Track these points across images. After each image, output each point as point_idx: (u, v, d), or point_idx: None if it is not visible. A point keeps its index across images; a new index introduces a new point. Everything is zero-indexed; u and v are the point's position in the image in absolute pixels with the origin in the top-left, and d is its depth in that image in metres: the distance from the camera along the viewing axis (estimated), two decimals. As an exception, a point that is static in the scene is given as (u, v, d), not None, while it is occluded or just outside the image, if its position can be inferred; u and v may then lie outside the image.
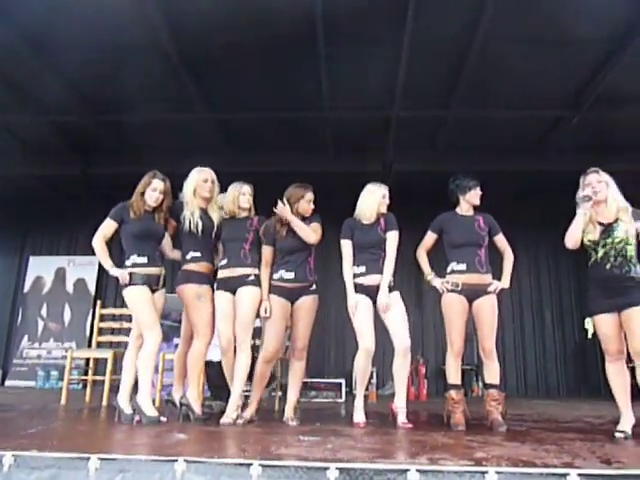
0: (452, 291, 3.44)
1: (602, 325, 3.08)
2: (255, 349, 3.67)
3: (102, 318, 5.24)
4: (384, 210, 3.64)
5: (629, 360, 3.14)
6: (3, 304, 8.22)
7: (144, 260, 3.42)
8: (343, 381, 6.01)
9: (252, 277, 3.53)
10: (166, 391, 4.49)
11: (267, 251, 3.60)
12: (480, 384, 6.63)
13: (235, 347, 3.50)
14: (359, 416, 3.39)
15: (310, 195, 3.63)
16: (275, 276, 3.55)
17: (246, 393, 3.56)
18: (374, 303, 3.49)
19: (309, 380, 5.89)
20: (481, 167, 5.66)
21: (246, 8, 4.19)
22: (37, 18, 4.24)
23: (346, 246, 3.59)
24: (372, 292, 3.48)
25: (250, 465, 1.91)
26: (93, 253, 3.50)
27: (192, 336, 3.53)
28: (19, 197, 7.59)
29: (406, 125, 5.88)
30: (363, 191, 3.68)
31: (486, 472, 1.86)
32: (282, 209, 3.54)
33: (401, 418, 3.35)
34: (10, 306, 8.23)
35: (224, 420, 3.31)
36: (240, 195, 3.67)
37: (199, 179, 3.64)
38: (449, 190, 3.68)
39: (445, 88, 5.35)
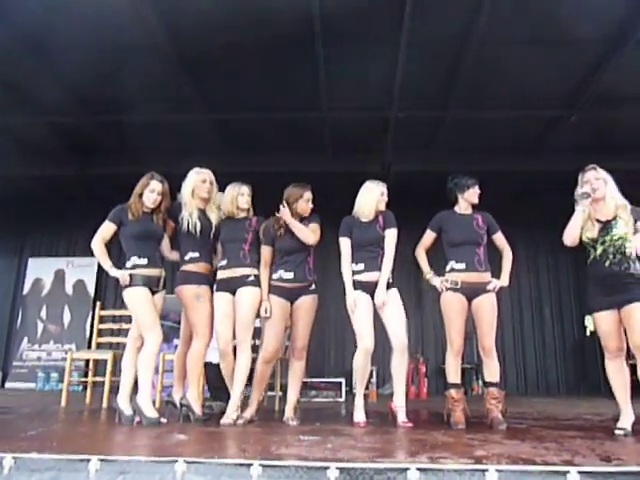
0: (451, 290, 3.44)
1: (602, 322, 3.08)
2: (255, 349, 3.67)
3: (102, 319, 5.23)
4: (383, 208, 3.64)
5: (629, 357, 3.14)
6: (2, 306, 8.22)
7: (145, 261, 3.42)
8: (343, 380, 6.02)
9: (252, 277, 3.53)
10: (166, 392, 4.49)
11: (266, 251, 3.61)
12: (480, 382, 6.64)
13: (233, 349, 3.50)
14: (359, 415, 3.39)
15: (308, 195, 3.64)
16: (274, 276, 3.55)
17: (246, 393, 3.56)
18: (373, 299, 3.49)
19: (309, 380, 5.89)
20: (479, 167, 5.64)
21: (244, 9, 4.19)
22: (35, 19, 4.24)
23: (345, 244, 3.60)
24: (371, 289, 3.48)
25: (250, 465, 1.91)
26: (92, 254, 3.50)
27: (191, 337, 3.53)
28: (18, 198, 7.59)
29: (404, 126, 5.89)
30: (361, 189, 3.69)
31: (486, 470, 1.86)
32: (282, 212, 3.55)
33: (401, 417, 3.35)
34: (9, 308, 8.24)
35: (224, 420, 3.31)
36: (239, 196, 3.67)
37: (197, 180, 3.64)
38: (447, 189, 3.68)
39: (443, 89, 5.35)
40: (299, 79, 5.19)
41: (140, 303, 3.36)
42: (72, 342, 7.80)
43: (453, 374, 3.46)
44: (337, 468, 1.89)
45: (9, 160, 6.61)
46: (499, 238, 3.63)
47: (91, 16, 4.24)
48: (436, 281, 3.54)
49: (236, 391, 3.44)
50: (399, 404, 3.43)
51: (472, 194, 3.60)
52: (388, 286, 3.49)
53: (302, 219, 3.63)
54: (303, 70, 5.03)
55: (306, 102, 5.56)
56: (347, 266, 3.55)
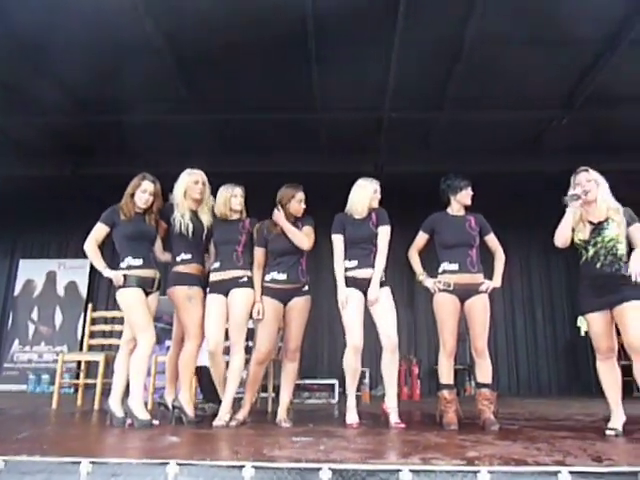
0: (444, 291, 3.45)
1: (593, 323, 3.10)
2: (248, 351, 3.66)
3: (93, 321, 5.20)
4: (375, 205, 3.65)
5: (620, 358, 3.16)
6: (-7, 308, 8.16)
7: (139, 262, 3.40)
8: (336, 382, 6.01)
9: (245, 279, 3.53)
10: (158, 394, 4.47)
11: (259, 253, 3.61)
12: (473, 383, 6.65)
13: (224, 350, 3.50)
14: (352, 417, 3.39)
15: (301, 195, 3.64)
16: (267, 278, 3.55)
17: (239, 395, 3.55)
18: (365, 297, 3.49)
19: (302, 381, 5.89)
20: (472, 168, 5.68)
21: (238, 9, 4.19)
22: (31, 20, 4.24)
23: (337, 241, 3.60)
24: (363, 285, 3.48)
25: (242, 467, 1.91)
26: (84, 256, 3.49)
27: (184, 338, 3.51)
28: (10, 199, 7.49)
29: (398, 126, 5.91)
30: (354, 186, 3.69)
31: (478, 471, 1.87)
32: (276, 215, 3.55)
33: (393, 418, 3.35)
34: (0, 310, 8.17)
35: (217, 422, 3.30)
36: (232, 197, 3.66)
37: (189, 181, 3.62)
38: (440, 190, 3.69)
39: (437, 89, 5.37)
40: (293, 79, 5.19)
41: (134, 304, 3.35)
42: (64, 344, 7.75)
43: (446, 375, 3.47)
44: (329, 469, 1.89)
45: (1, 160, 6.56)
46: (491, 239, 3.64)
47: (86, 17, 4.24)
48: (429, 282, 3.55)
49: (229, 393, 3.43)
50: (391, 405, 3.43)
51: (465, 196, 3.61)
52: (381, 284, 3.49)
53: (295, 220, 3.63)
54: (297, 70, 5.03)
55: (300, 102, 5.57)
56: (339, 263, 3.56)
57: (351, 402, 3.45)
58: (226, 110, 5.77)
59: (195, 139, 6.27)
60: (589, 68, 4.98)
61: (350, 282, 3.50)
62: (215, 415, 3.40)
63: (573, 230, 3.18)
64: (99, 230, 3.44)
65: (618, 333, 3.06)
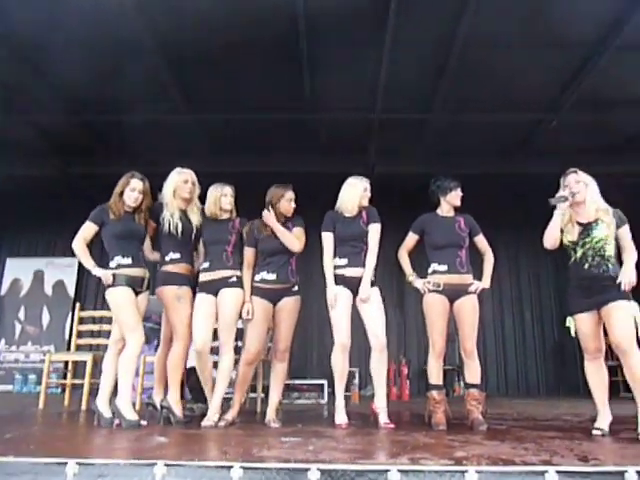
0: (433, 291, 3.46)
1: (581, 324, 3.12)
2: (237, 351, 3.65)
3: (81, 321, 5.17)
4: (366, 203, 3.66)
5: (608, 358, 3.19)
6: (-21, 307, 8.06)
7: (129, 261, 3.38)
8: (325, 382, 6.01)
9: (234, 279, 3.52)
10: (146, 394, 4.44)
11: (249, 253, 3.60)
12: (462, 384, 6.68)
13: (211, 350, 3.48)
14: (340, 417, 3.39)
15: (290, 194, 3.64)
16: (257, 278, 3.54)
17: (228, 395, 3.53)
18: (354, 296, 3.50)
19: (291, 381, 5.88)
20: (463, 169, 5.73)
21: (229, 10, 4.18)
22: (28, 20, 4.23)
23: (327, 239, 3.60)
24: (352, 284, 3.49)
25: (231, 467, 1.90)
26: (72, 255, 3.46)
27: (172, 338, 3.50)
28: (-4, 197, 7.47)
29: (389, 127, 5.92)
30: (344, 184, 3.70)
31: (466, 471, 1.88)
32: (266, 216, 3.55)
33: (382, 418, 3.35)
34: (-13, 309, 8.08)
35: (205, 423, 3.29)
36: (222, 196, 3.65)
37: (179, 180, 3.60)
38: (430, 191, 3.70)
39: (428, 90, 5.39)
40: (284, 80, 5.19)
41: (123, 303, 3.33)
42: (51, 344, 7.68)
43: (435, 375, 3.48)
44: (318, 469, 1.88)
45: (-13, 159, 6.50)
46: (481, 240, 3.66)
47: (85, 15, 4.21)
48: (418, 283, 3.56)
49: (218, 393, 3.42)
50: (380, 405, 3.43)
51: (454, 197, 3.63)
52: (370, 284, 3.50)
53: (286, 220, 3.63)
54: (288, 71, 5.03)
55: (291, 103, 5.56)
56: (329, 261, 3.56)
57: (340, 402, 3.45)
58: (219, 110, 5.74)
59: (187, 139, 6.26)
60: (578, 71, 5.02)
61: (339, 280, 3.50)
62: (204, 415, 3.38)
63: (562, 232, 3.21)
64: (88, 229, 3.41)
65: (606, 334, 3.07)
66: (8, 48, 4.62)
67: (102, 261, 3.44)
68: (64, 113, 5.71)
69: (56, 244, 8.08)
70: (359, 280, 3.48)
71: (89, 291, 7.87)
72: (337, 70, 4.99)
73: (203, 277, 3.54)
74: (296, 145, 6.37)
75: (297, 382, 6.07)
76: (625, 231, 3.13)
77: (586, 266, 3.09)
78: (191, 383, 4.06)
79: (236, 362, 3.57)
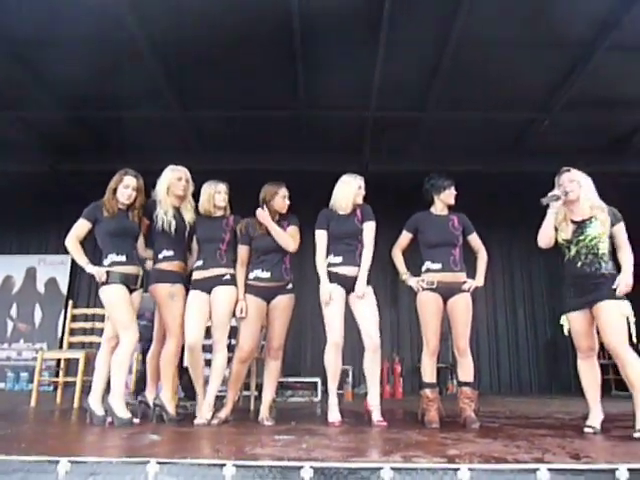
0: (427, 289, 3.47)
1: (574, 322, 3.12)
2: (231, 349, 3.64)
3: (74, 318, 5.14)
4: (360, 201, 3.66)
5: (601, 356, 3.19)
6: (-29, 304, 8.00)
7: (122, 258, 3.36)
8: (319, 380, 6.01)
9: (227, 277, 3.51)
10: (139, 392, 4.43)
11: (243, 250, 3.59)
12: (455, 382, 6.70)
13: (204, 348, 3.48)
14: (334, 415, 3.39)
15: (284, 191, 3.63)
16: (251, 275, 3.53)
17: (221, 393, 3.53)
18: (347, 294, 3.50)
19: (285, 379, 5.88)
20: (457, 167, 5.73)
21: (227, 7, 4.16)
22: (15, 16, 4.19)
23: (320, 237, 3.60)
24: (346, 282, 3.49)
25: (224, 465, 1.90)
26: (65, 252, 3.44)
27: (165, 336, 3.48)
28: (-13, 195, 7.41)
29: (383, 125, 5.93)
30: (338, 182, 3.70)
31: (458, 469, 1.88)
32: (261, 214, 3.54)
33: (376, 416, 3.36)
34: (-22, 307, 8.02)
35: (198, 421, 3.29)
36: (215, 193, 3.64)
37: (173, 177, 3.59)
38: (424, 189, 3.71)
39: (422, 89, 5.39)
40: (278, 77, 5.18)
41: (117, 301, 3.31)
42: (43, 341, 7.64)
43: (428, 374, 3.49)
44: (311, 467, 1.88)
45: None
46: (474, 239, 3.67)
47: (67, 13, 4.17)
48: (412, 281, 3.57)
49: (211, 391, 3.41)
50: (373, 403, 3.43)
51: (448, 195, 3.64)
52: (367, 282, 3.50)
53: (280, 217, 3.62)
54: (282, 69, 5.02)
55: (284, 101, 5.56)
56: (321, 259, 3.56)
57: (333, 400, 3.46)
58: (212, 107, 5.73)
59: (180, 137, 6.23)
60: (570, 71, 5.04)
61: (333, 278, 3.50)
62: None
63: (557, 230, 3.21)
64: (81, 226, 3.39)
65: (598, 332, 3.08)
66: (1, 43, 4.57)
67: (95, 259, 3.42)
68: (57, 110, 5.67)
69: (49, 241, 8.03)
70: (353, 279, 3.48)
71: (82, 289, 7.84)
72: (332, 68, 4.98)
73: (196, 275, 3.53)
74: (290, 143, 6.35)
75: (290, 380, 6.07)
76: (620, 229, 3.12)
77: (579, 264, 3.10)
78: (184, 381, 4.06)
79: (229, 360, 3.56)
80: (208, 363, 3.52)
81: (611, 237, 3.12)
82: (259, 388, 3.85)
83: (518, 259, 8.13)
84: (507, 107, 5.66)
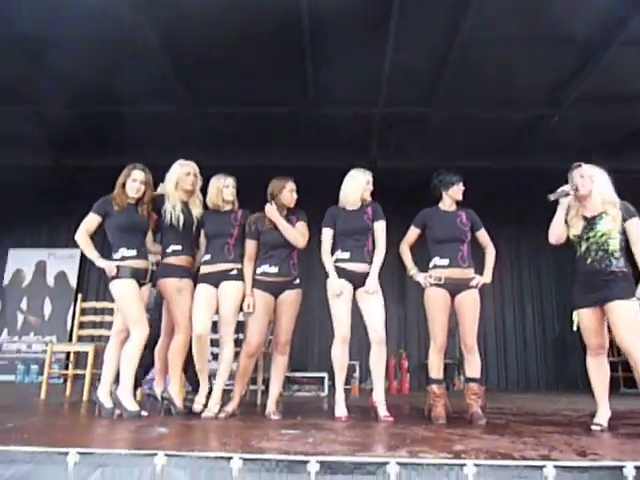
0: (435, 285, 3.46)
1: (584, 319, 3.08)
2: (238, 343, 3.66)
3: (83, 312, 5.18)
4: (368, 196, 3.66)
5: (611, 354, 3.16)
6: (-18, 297, 8.09)
7: (133, 253, 3.38)
8: (326, 375, 6.03)
9: (235, 272, 3.52)
10: (147, 385, 4.46)
11: (251, 245, 3.59)
12: (462, 378, 6.69)
13: (210, 342, 3.50)
14: (340, 410, 3.40)
15: (291, 185, 3.63)
16: (258, 270, 3.54)
17: (228, 387, 3.55)
18: (355, 289, 3.51)
19: (292, 374, 5.91)
20: (465, 163, 5.71)
21: (234, 4, 4.16)
22: (23, 12, 4.21)
23: (326, 234, 3.61)
24: (354, 278, 3.49)
25: (230, 458, 1.91)
26: (75, 246, 3.46)
27: (173, 330, 3.50)
28: (-1, 188, 7.47)
29: (391, 122, 5.91)
30: (346, 177, 3.70)
31: (464, 465, 1.88)
32: (270, 211, 3.55)
33: (382, 411, 3.36)
34: (-11, 299, 8.11)
35: (206, 414, 3.31)
36: (224, 187, 3.65)
37: (181, 172, 3.60)
38: (432, 185, 3.69)
39: (430, 86, 5.37)
40: (287, 75, 5.18)
41: (127, 295, 3.33)
42: (53, 334, 7.72)
43: (435, 370, 3.48)
44: (317, 462, 1.89)
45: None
46: (482, 235, 3.65)
47: (73, 10, 4.18)
48: (420, 277, 3.56)
49: (218, 384, 3.43)
50: (378, 399, 3.43)
51: (456, 191, 3.62)
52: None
53: (288, 212, 3.63)
54: (291, 66, 5.02)
55: (294, 97, 5.56)
56: (327, 256, 3.57)
57: (340, 395, 3.47)
58: (219, 104, 5.74)
59: (186, 133, 6.25)
60: (581, 67, 5.00)
61: (341, 274, 3.50)
62: (204, 406, 3.40)
63: (568, 226, 3.18)
64: (91, 220, 3.41)
65: (610, 330, 3.03)
66: (8, 40, 4.60)
67: (104, 253, 3.44)
68: (67, 106, 5.72)
69: (58, 235, 8.09)
70: (360, 275, 3.49)
71: (91, 282, 7.89)
72: (340, 66, 4.96)
73: (204, 269, 3.55)
74: (298, 139, 6.36)
75: (297, 375, 6.10)
76: (632, 224, 3.04)
77: (589, 260, 3.06)
78: (190, 375, 4.08)
79: (237, 354, 3.58)
80: (215, 357, 3.54)
81: (625, 233, 3.05)
82: (266, 382, 3.87)
83: (526, 255, 8.09)
84: (516, 103, 5.63)
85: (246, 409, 3.71)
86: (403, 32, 4.43)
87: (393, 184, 6.04)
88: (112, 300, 3.53)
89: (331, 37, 4.58)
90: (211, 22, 4.35)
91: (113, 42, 4.66)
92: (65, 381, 5.68)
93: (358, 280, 3.49)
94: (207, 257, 3.57)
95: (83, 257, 7.52)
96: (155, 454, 1.94)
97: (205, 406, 3.39)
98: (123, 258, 3.36)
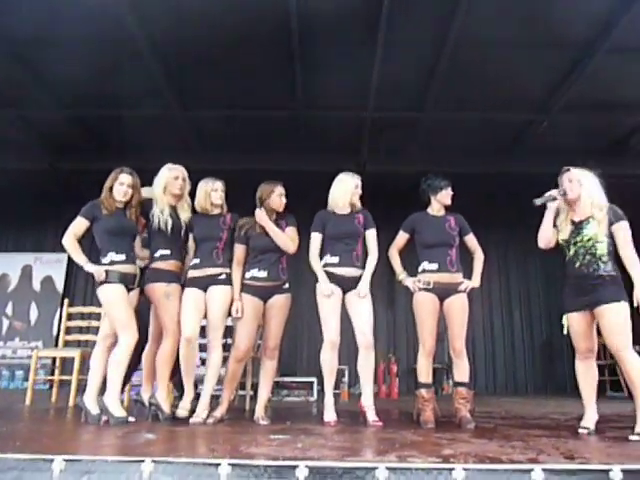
0: (424, 290, 3.48)
1: (573, 323, 3.09)
2: (227, 348, 3.64)
3: (70, 317, 5.12)
4: (356, 200, 3.67)
5: (599, 357, 3.18)
6: (-34, 302, 7.97)
7: (122, 257, 3.35)
8: (315, 380, 6.01)
9: (223, 276, 3.51)
10: (135, 391, 4.42)
11: (239, 250, 3.58)
12: (450, 382, 6.71)
13: (199, 347, 3.48)
14: (329, 415, 3.39)
15: (280, 189, 3.64)
16: (247, 275, 3.53)
17: (217, 392, 3.53)
18: (344, 294, 3.51)
19: (281, 379, 5.89)
20: (454, 168, 5.74)
21: (226, 7, 4.16)
22: (15, 15, 4.18)
23: (315, 239, 3.61)
24: (343, 282, 3.50)
25: (219, 465, 1.89)
26: (61, 250, 3.43)
27: (161, 335, 3.47)
28: (-17, 192, 7.38)
29: (381, 126, 5.93)
30: (335, 181, 3.71)
31: (453, 469, 1.88)
32: (260, 216, 3.54)
33: (371, 416, 3.36)
34: (-26, 305, 7.99)
35: (194, 420, 3.28)
36: (212, 191, 3.64)
37: (169, 176, 3.58)
38: (420, 190, 3.71)
39: (420, 90, 5.40)
40: (276, 78, 5.17)
41: (116, 301, 3.30)
42: (39, 339, 7.62)
43: (424, 374, 3.49)
44: (306, 467, 1.88)
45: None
46: (471, 240, 3.67)
47: (65, 12, 4.16)
48: (409, 282, 3.57)
49: (206, 390, 3.41)
50: (367, 404, 3.43)
51: (445, 196, 3.64)
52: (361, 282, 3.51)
53: (277, 216, 3.62)
54: (280, 69, 5.02)
55: (282, 100, 5.55)
56: (315, 260, 3.58)
57: (329, 400, 3.45)
58: (211, 107, 5.73)
59: (179, 136, 6.22)
60: (569, 72, 5.05)
61: (329, 278, 3.50)
62: (192, 412, 3.37)
63: (558, 230, 3.20)
64: (79, 224, 3.38)
65: (599, 333, 3.04)
66: (1, 42, 4.56)
67: (91, 257, 3.41)
68: (54, 108, 5.66)
69: (45, 239, 7.99)
70: (349, 279, 3.49)
71: (78, 287, 7.81)
72: (330, 69, 4.98)
73: (192, 273, 3.53)
74: (288, 143, 6.35)
75: (286, 379, 6.07)
76: (619, 228, 3.03)
77: (577, 265, 3.07)
78: (176, 380, 4.05)
79: (225, 359, 3.56)
80: (204, 362, 3.52)
81: (613, 237, 3.05)
82: (255, 387, 3.85)
83: (514, 260, 8.14)
84: (505, 108, 5.67)
85: (235, 414, 3.69)
86: (393, 36, 4.44)
87: (383, 188, 6.06)
88: (99, 305, 3.49)
89: (321, 40, 4.59)
90: (204, 24, 4.34)
91: (109, 46, 4.64)
92: (51, 387, 5.60)
93: (347, 284, 3.50)
94: (196, 261, 3.55)
95: (70, 261, 7.45)
96: (142, 460, 1.92)
97: (191, 412, 3.36)
98: (112, 262, 3.32)
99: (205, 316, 3.51)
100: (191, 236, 3.65)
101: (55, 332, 7.41)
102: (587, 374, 3.12)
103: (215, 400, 3.50)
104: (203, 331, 3.57)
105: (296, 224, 3.66)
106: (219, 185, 3.67)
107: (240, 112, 5.77)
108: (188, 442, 2.68)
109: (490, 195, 7.17)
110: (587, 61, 4.80)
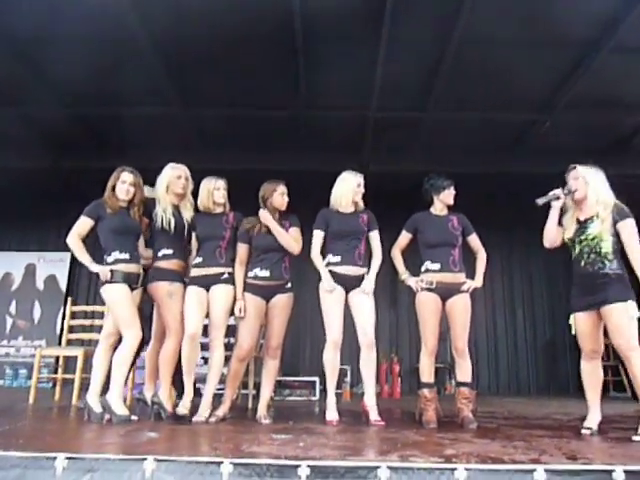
0: (426, 290, 3.47)
1: (579, 322, 3.08)
2: (229, 347, 3.64)
3: (73, 315, 5.15)
4: (359, 199, 3.67)
5: (603, 358, 3.17)
6: (-30, 301, 8.00)
7: (126, 256, 3.36)
8: (317, 379, 6.01)
9: (226, 275, 3.51)
10: (137, 389, 4.43)
11: (242, 249, 3.59)
12: (453, 382, 6.70)
13: (201, 346, 3.48)
14: (331, 414, 3.39)
15: (282, 188, 3.64)
16: (250, 274, 3.54)
17: (219, 391, 3.53)
18: (346, 293, 3.52)
19: (283, 378, 5.89)
20: (456, 168, 5.72)
21: (228, 6, 4.15)
22: (18, 13, 4.18)
23: (317, 237, 3.62)
24: (345, 281, 3.50)
25: (221, 463, 1.90)
26: (65, 249, 3.44)
27: (164, 334, 3.48)
28: (-14, 191, 7.40)
29: (384, 125, 5.92)
30: (338, 179, 3.72)
31: (455, 469, 1.89)
32: (264, 216, 3.54)
33: (373, 416, 3.36)
34: (-23, 303, 8.02)
35: (196, 418, 3.29)
36: (214, 190, 3.64)
37: (172, 175, 3.59)
38: (423, 190, 3.71)
39: (423, 89, 5.38)
40: (278, 77, 5.17)
41: (120, 300, 3.30)
42: (42, 338, 7.64)
43: (427, 374, 3.49)
44: (308, 466, 1.89)
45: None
46: (474, 239, 3.67)
47: (67, 10, 4.16)
48: (411, 281, 3.58)
49: (209, 388, 3.42)
50: (369, 403, 3.43)
51: (448, 195, 3.64)
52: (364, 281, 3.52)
53: (280, 215, 3.63)
54: (283, 68, 5.01)
55: (285, 100, 5.55)
56: (317, 257, 3.58)
57: (331, 399, 3.46)
58: (213, 106, 5.72)
59: (181, 135, 6.22)
60: (571, 71, 5.02)
61: (333, 277, 3.50)
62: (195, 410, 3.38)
63: (564, 228, 3.19)
64: (83, 224, 3.38)
65: (606, 334, 3.01)
66: (3, 41, 4.58)
67: (95, 256, 3.41)
68: (57, 106, 5.67)
69: (48, 238, 8.00)
70: (351, 278, 3.50)
71: (81, 286, 7.83)
72: (333, 68, 4.97)
73: (194, 272, 3.53)
74: (290, 143, 6.34)
75: (289, 379, 6.08)
76: (625, 226, 3.00)
77: (582, 263, 3.06)
78: (177, 379, 4.05)
79: (227, 358, 3.56)
80: (206, 361, 3.52)
81: (618, 235, 3.02)
82: (257, 387, 3.85)
83: (517, 260, 8.12)
84: (507, 107, 5.65)
85: (237, 413, 3.69)
86: (396, 34, 4.42)
87: (385, 188, 6.05)
88: (102, 303, 3.50)
89: (324, 39, 4.55)
90: (206, 23, 4.32)
91: (110, 45, 4.63)
92: (54, 385, 5.62)
93: (350, 283, 3.50)
94: (198, 260, 3.56)
95: (73, 261, 7.47)
96: (145, 459, 1.92)
97: (190, 410, 3.36)
98: (116, 261, 3.33)
99: (207, 315, 3.51)
100: (194, 235, 3.65)
101: (58, 331, 7.42)
102: (592, 375, 3.10)
103: (217, 399, 3.50)
104: (205, 330, 3.58)
105: (299, 225, 3.66)
106: (221, 184, 3.67)
107: (241, 111, 5.76)
108: (190, 441, 2.68)
109: (493, 195, 7.15)
110: (589, 61, 4.78)
